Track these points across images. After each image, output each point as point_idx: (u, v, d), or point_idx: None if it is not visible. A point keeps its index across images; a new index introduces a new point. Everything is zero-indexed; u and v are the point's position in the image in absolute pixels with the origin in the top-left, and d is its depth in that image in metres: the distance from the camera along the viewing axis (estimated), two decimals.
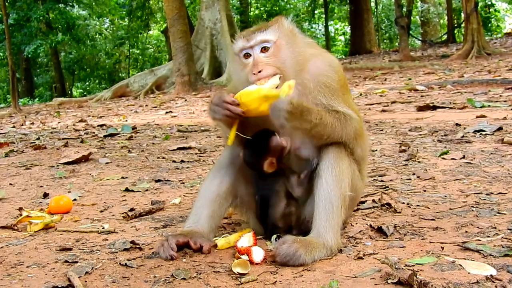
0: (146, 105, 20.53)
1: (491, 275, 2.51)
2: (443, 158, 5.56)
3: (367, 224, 3.50)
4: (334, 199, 3.05)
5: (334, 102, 3.16)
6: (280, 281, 2.69)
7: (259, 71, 3.07)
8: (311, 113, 2.99)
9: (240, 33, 3.35)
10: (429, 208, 3.85)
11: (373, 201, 4.12)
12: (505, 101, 10.05)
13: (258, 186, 3.37)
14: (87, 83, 50.88)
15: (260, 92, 2.98)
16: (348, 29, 50.09)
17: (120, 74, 49.33)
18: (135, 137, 10.00)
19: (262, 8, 48.27)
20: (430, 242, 3.10)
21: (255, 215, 3.45)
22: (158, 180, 5.64)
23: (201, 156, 7.17)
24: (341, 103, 3.19)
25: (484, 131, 6.77)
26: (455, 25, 38.96)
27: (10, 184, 6.02)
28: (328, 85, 3.18)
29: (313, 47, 3.36)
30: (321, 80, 3.18)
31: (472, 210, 3.68)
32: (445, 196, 4.12)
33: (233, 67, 3.37)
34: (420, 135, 7.22)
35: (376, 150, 6.36)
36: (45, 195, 5.25)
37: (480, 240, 3.04)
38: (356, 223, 3.56)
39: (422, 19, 45.56)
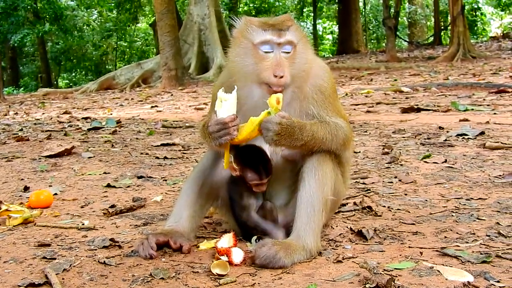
0: (132, 99, 20.41)
1: (468, 282, 2.52)
2: (425, 162, 5.58)
3: (347, 227, 3.51)
4: (315, 202, 3.05)
5: (325, 112, 3.17)
6: (259, 283, 2.70)
7: (281, 76, 2.96)
8: (303, 131, 2.98)
9: (253, 21, 3.12)
10: (409, 212, 3.87)
11: (355, 203, 4.13)
12: (488, 105, 10.12)
13: (232, 188, 3.36)
14: (73, 74, 50.45)
15: (253, 123, 2.95)
16: (336, 28, 50.18)
17: (106, 66, 48.98)
18: (119, 131, 9.93)
19: (251, 5, 48.17)
20: (409, 247, 3.12)
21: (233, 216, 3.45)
22: (141, 177, 5.61)
23: (185, 153, 7.15)
24: (332, 112, 3.19)
25: (466, 135, 6.81)
26: (442, 27, 39.17)
27: None
28: (323, 90, 3.20)
29: None
30: (318, 84, 3.19)
31: (452, 215, 3.70)
32: (426, 201, 4.14)
33: (241, 55, 3.12)
34: (404, 137, 7.24)
35: (359, 152, 6.38)
36: (26, 189, 5.21)
37: (458, 246, 3.06)
38: (337, 226, 3.58)
39: (409, 20, 45.78)
